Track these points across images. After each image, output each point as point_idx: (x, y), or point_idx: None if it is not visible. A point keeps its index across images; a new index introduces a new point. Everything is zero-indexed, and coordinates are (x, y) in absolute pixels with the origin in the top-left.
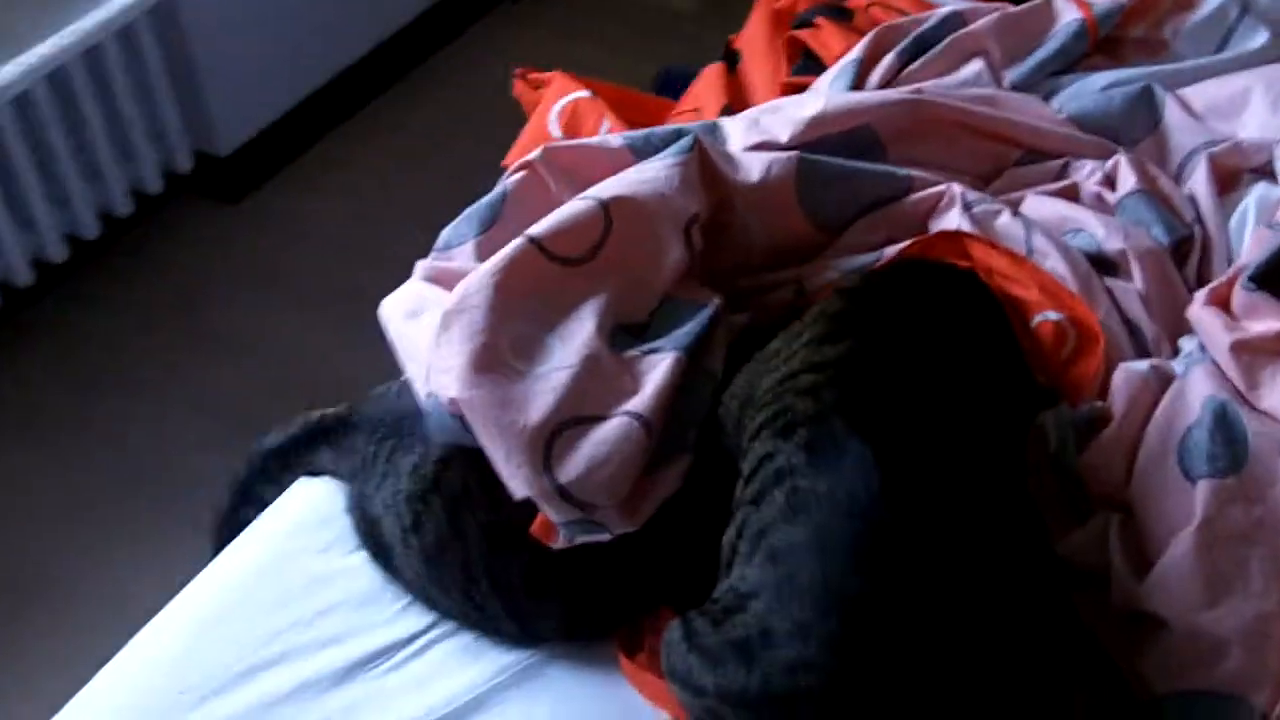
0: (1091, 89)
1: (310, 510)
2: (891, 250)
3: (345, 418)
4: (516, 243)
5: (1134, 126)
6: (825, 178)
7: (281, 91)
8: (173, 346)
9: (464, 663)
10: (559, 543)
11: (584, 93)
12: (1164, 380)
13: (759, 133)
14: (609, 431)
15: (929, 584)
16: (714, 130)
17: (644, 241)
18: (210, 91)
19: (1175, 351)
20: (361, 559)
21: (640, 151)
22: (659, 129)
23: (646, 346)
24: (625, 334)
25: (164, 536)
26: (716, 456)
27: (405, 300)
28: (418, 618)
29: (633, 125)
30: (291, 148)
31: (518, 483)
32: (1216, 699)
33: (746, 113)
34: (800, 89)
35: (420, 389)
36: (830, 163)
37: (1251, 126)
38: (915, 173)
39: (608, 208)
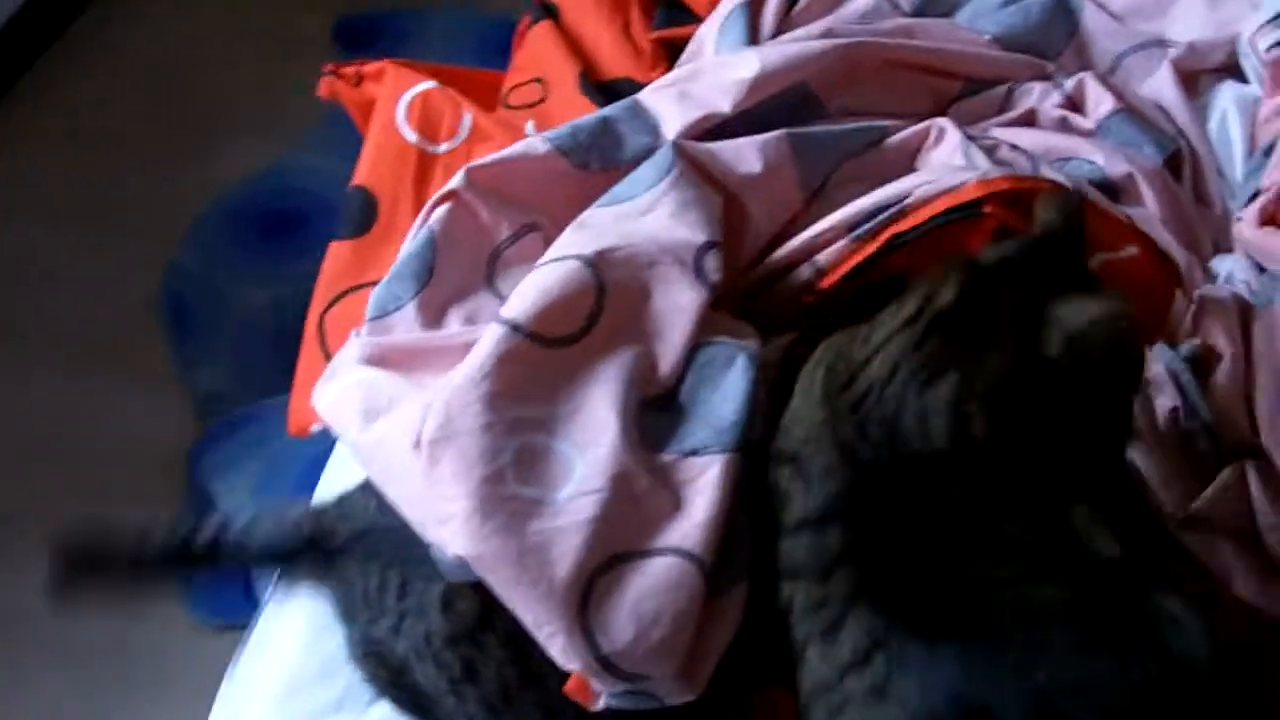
0: (991, 5)
1: (301, 653)
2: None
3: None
4: (497, 334)
5: (1053, 39)
6: (817, 149)
7: None
8: None
9: None
10: (596, 707)
11: (429, 83)
12: (1244, 308)
13: (695, 106)
14: (656, 579)
15: None
16: (638, 111)
17: (649, 298)
18: None
19: (1206, 275)
20: (385, 712)
21: (571, 152)
22: (582, 121)
23: (684, 446)
24: (652, 411)
25: None
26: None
27: (352, 395)
28: None
29: (484, 107)
30: None
31: (556, 652)
32: None
33: (663, 82)
34: (676, 45)
35: (418, 529)
36: (817, 132)
37: (1183, 25)
38: (889, 122)
39: (596, 267)
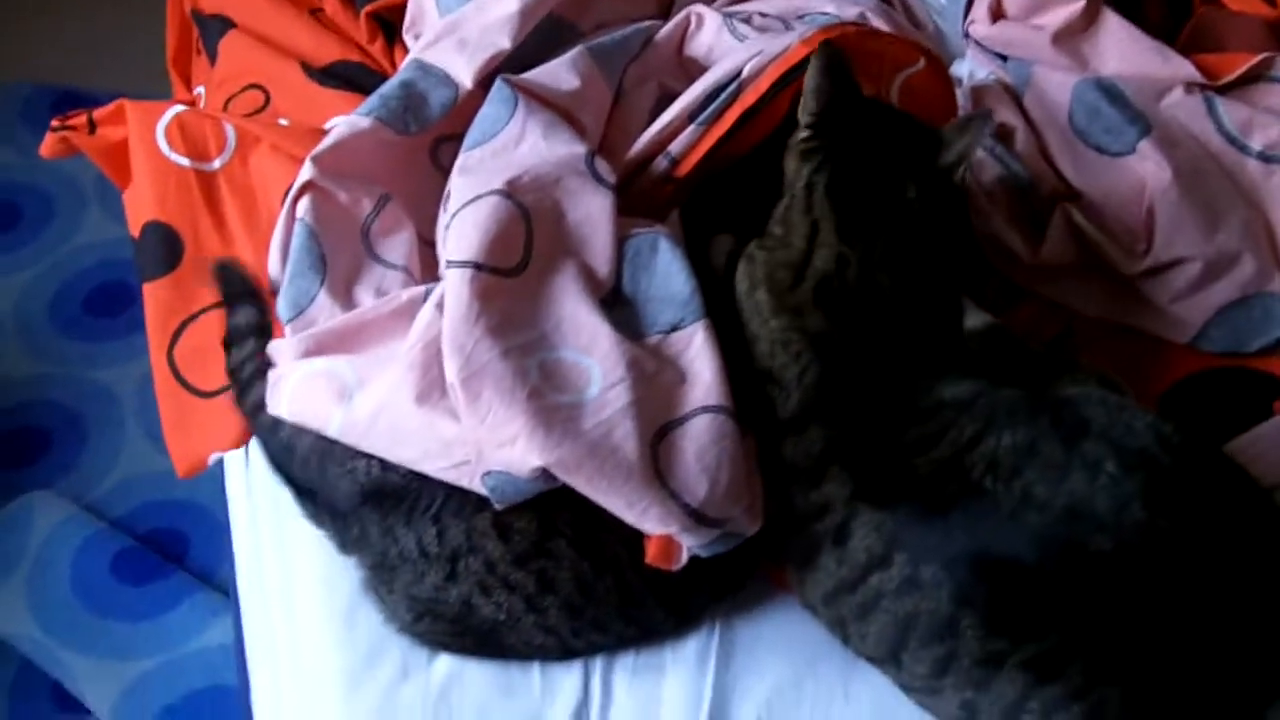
0: None
1: (338, 649)
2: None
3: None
4: (462, 276)
5: None
6: (610, 56)
7: None
8: None
9: (655, 681)
10: (682, 563)
11: (177, 106)
12: (1007, 88)
13: (478, 49)
14: (703, 435)
15: None
16: (426, 69)
17: (564, 214)
18: None
19: None
20: (450, 664)
21: (390, 121)
22: (385, 89)
23: (660, 326)
24: (609, 309)
25: None
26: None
27: (316, 386)
28: (567, 674)
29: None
30: None
31: (651, 523)
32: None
33: (429, 40)
34: (393, 14)
35: (463, 474)
36: (604, 41)
37: None
38: (650, 21)
39: (512, 197)
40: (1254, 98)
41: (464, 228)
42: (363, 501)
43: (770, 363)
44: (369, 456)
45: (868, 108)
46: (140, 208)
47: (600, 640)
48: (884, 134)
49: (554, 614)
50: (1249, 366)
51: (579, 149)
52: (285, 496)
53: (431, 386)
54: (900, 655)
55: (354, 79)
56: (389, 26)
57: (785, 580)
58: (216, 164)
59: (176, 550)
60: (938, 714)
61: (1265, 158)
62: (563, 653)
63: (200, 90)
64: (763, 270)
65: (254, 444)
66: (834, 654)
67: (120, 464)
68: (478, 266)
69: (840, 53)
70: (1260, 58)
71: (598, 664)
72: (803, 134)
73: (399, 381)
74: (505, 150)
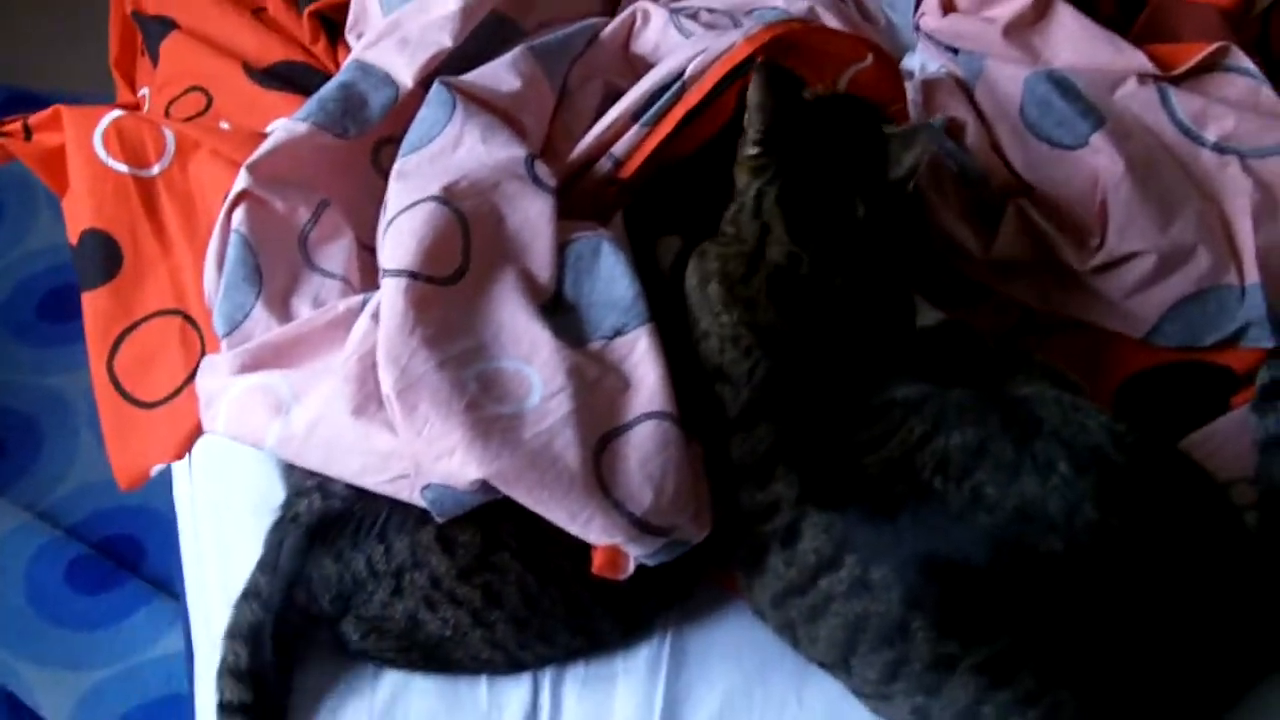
0: None
1: None
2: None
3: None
4: (398, 286)
5: None
6: (553, 55)
7: None
8: None
9: (606, 692)
10: (628, 573)
11: (115, 112)
12: (957, 82)
13: (420, 48)
14: (647, 442)
15: None
16: (367, 69)
17: (503, 219)
18: None
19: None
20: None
21: (328, 125)
22: (323, 93)
23: (603, 331)
24: (551, 316)
25: None
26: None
27: (252, 402)
28: (515, 686)
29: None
30: None
31: (595, 534)
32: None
33: (370, 41)
34: (337, 13)
35: (402, 488)
36: (547, 40)
37: None
38: (596, 19)
39: (449, 203)
40: (1208, 88)
41: (400, 236)
42: (310, 543)
43: (720, 359)
44: (308, 495)
45: (815, 117)
46: (78, 215)
47: (548, 653)
48: (832, 146)
49: (500, 628)
50: (1205, 360)
51: (518, 152)
52: (228, 504)
53: (368, 399)
54: (850, 660)
55: (297, 80)
56: (332, 26)
57: (736, 585)
58: (155, 170)
59: (132, 557)
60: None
61: (1219, 149)
62: (510, 666)
63: (145, 92)
64: (715, 264)
65: (196, 451)
66: (786, 660)
67: (74, 470)
68: (413, 275)
69: (781, 68)
70: (1214, 47)
71: (547, 676)
72: (750, 150)
73: (335, 394)
74: (443, 154)
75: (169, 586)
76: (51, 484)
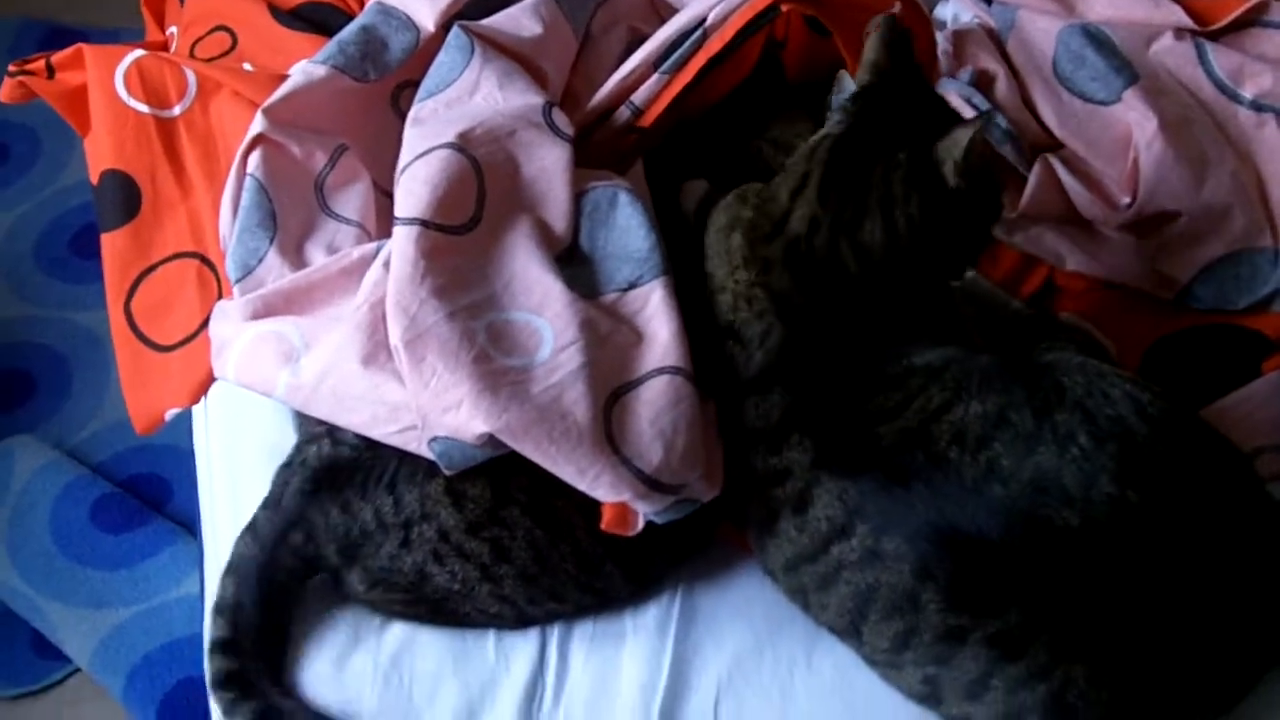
0: None
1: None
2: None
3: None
4: (410, 234)
5: None
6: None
7: None
8: None
9: (614, 649)
10: (638, 529)
11: (137, 52)
12: (990, 33)
13: None
14: (658, 398)
15: None
16: (389, 12)
17: (519, 167)
18: None
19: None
20: (403, 631)
21: (348, 68)
22: (343, 35)
23: (617, 284)
24: (566, 267)
25: None
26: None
27: (263, 350)
28: (523, 642)
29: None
30: None
31: (603, 490)
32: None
33: None
34: None
35: (410, 440)
36: None
37: None
38: None
39: (464, 150)
40: (1246, 44)
41: (412, 183)
42: (315, 487)
43: (733, 317)
44: (318, 440)
45: (918, 95)
46: (99, 155)
47: (557, 609)
48: (919, 123)
49: (509, 583)
50: (1236, 324)
51: (536, 100)
52: (241, 448)
53: (378, 348)
54: (861, 628)
55: (323, 21)
56: None
57: (749, 544)
58: (176, 110)
59: (158, 496)
60: (901, 688)
61: (1257, 106)
62: (519, 621)
63: (173, 30)
64: (749, 212)
65: (211, 395)
66: (796, 622)
67: (104, 409)
68: (425, 224)
69: (905, 30)
70: (1253, 2)
71: (555, 632)
72: (847, 96)
73: (345, 343)
74: (459, 101)
75: (193, 527)
76: (81, 421)
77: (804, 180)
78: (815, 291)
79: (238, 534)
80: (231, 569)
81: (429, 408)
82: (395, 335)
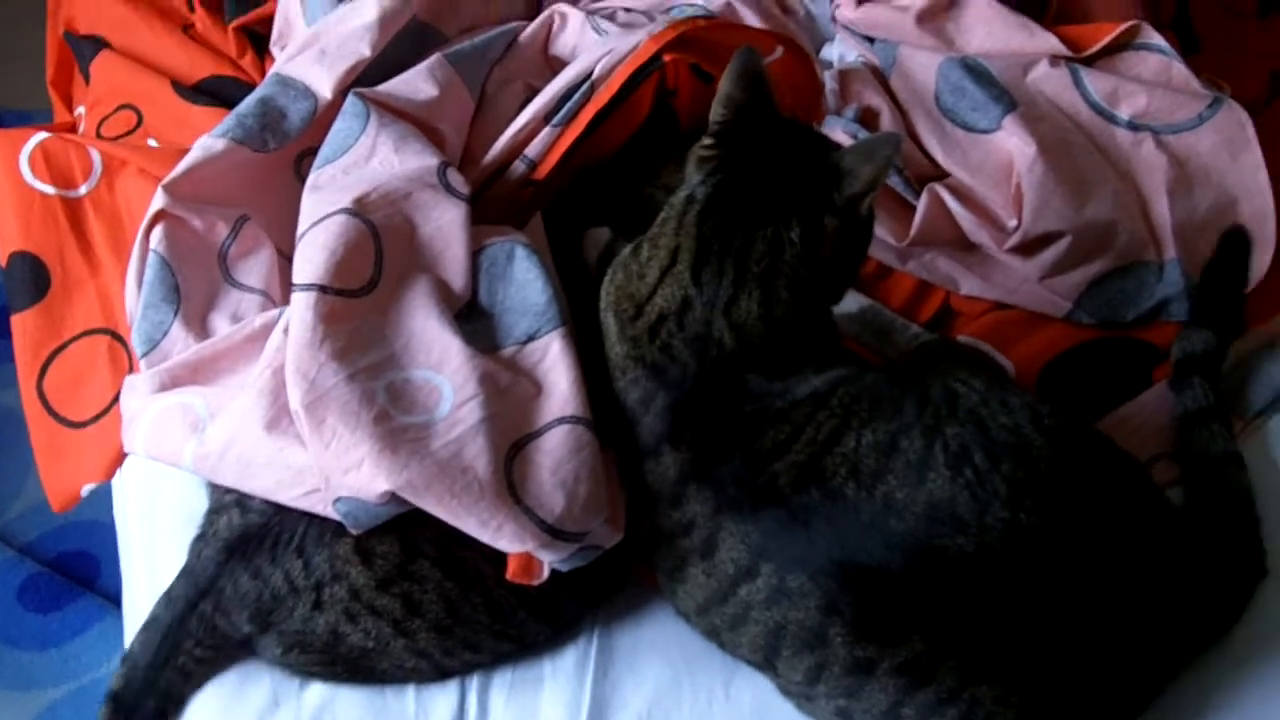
0: None
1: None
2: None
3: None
4: (307, 300)
5: None
6: (471, 61)
7: None
8: None
9: (533, 694)
10: (543, 578)
11: (41, 134)
12: (874, 70)
13: (339, 59)
14: (559, 448)
15: None
16: (286, 83)
17: (416, 228)
18: None
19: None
20: (323, 690)
21: (247, 140)
22: (241, 108)
23: (516, 337)
24: (464, 323)
25: None
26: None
27: (170, 421)
28: (442, 694)
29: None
30: None
31: (506, 541)
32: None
33: (290, 53)
34: (263, 26)
35: (316, 502)
36: (464, 47)
37: None
38: (516, 24)
39: (360, 214)
40: (1119, 67)
41: (310, 249)
42: (228, 557)
43: (619, 384)
44: (227, 510)
45: (778, 126)
46: (6, 238)
47: (474, 659)
48: (787, 158)
49: (423, 636)
50: (1128, 336)
51: (431, 161)
52: (158, 519)
53: (281, 413)
54: (775, 662)
55: (226, 94)
56: (259, 40)
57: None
58: (83, 190)
59: (87, 573)
60: (816, 719)
61: (1133, 126)
62: (438, 674)
63: (81, 110)
64: (612, 297)
65: (127, 468)
66: (713, 655)
67: (28, 489)
68: (323, 289)
69: (758, 60)
70: (1125, 26)
71: (474, 681)
72: (705, 140)
73: (249, 409)
74: (356, 166)
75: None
76: (5, 502)
77: (674, 257)
78: (689, 363)
79: (152, 602)
80: (145, 627)
81: (331, 469)
82: (295, 399)
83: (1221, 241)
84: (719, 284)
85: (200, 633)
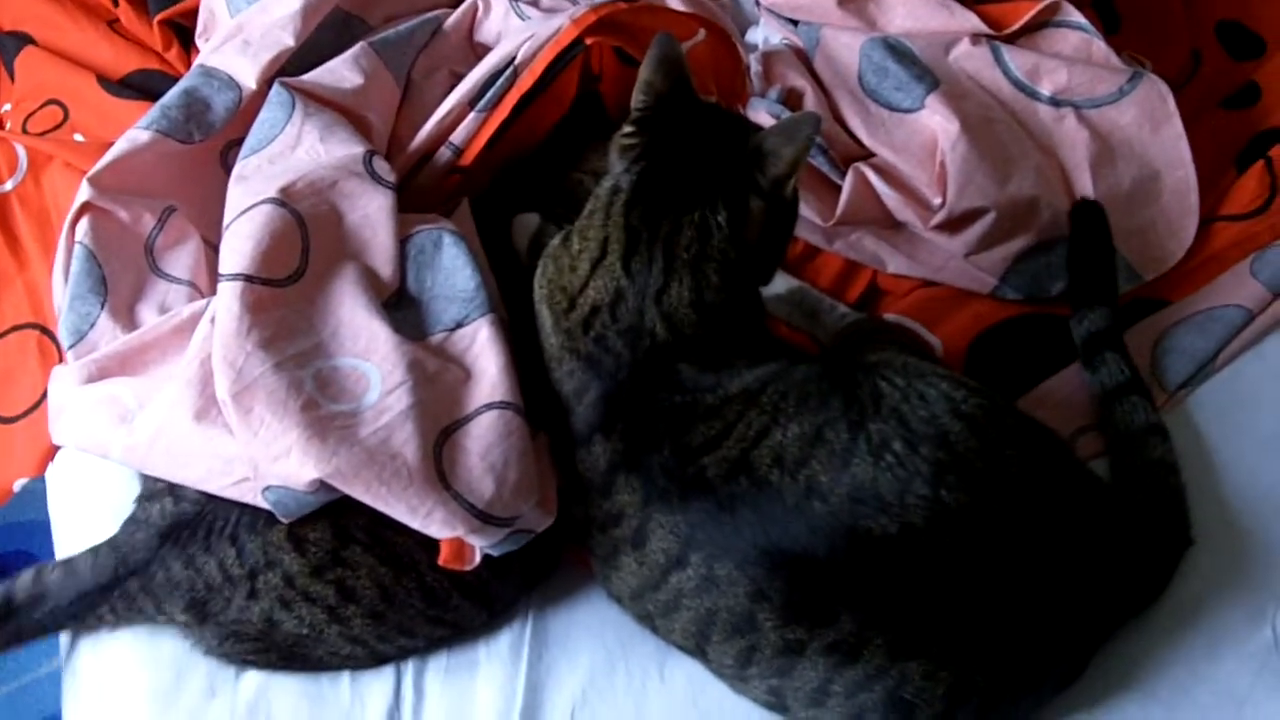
0: None
1: (146, 670)
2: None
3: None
4: (234, 290)
5: None
6: (396, 49)
7: None
8: None
9: (468, 679)
10: (475, 563)
11: None
12: (797, 52)
13: (262, 49)
14: (488, 433)
15: None
16: (210, 74)
17: (342, 217)
18: None
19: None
20: (259, 679)
21: (172, 131)
22: (166, 100)
23: (444, 324)
24: (393, 312)
25: None
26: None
27: (98, 413)
28: (377, 680)
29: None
30: None
31: (436, 527)
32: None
33: (214, 45)
34: (188, 19)
35: (245, 491)
36: (388, 35)
37: None
38: (439, 11)
39: (286, 204)
40: (1040, 44)
41: (235, 240)
42: (161, 543)
43: (555, 374)
44: (159, 497)
45: (699, 110)
46: None
47: (410, 644)
48: (709, 142)
49: (358, 623)
50: (1053, 312)
51: (357, 149)
52: (90, 513)
53: (210, 403)
54: (706, 648)
55: (152, 88)
56: (185, 33)
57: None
58: (9, 186)
59: None
60: (749, 699)
61: (1055, 102)
62: (374, 660)
63: (8, 108)
64: (545, 290)
65: (59, 461)
66: (647, 637)
67: None
68: (249, 279)
69: (677, 47)
70: (1044, 4)
71: (410, 667)
72: (626, 128)
73: (177, 400)
74: (282, 156)
75: None
76: None
77: (604, 248)
78: (623, 354)
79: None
80: (67, 571)
81: (260, 457)
82: (222, 389)
83: (1073, 216)
84: (649, 273)
85: (120, 607)
